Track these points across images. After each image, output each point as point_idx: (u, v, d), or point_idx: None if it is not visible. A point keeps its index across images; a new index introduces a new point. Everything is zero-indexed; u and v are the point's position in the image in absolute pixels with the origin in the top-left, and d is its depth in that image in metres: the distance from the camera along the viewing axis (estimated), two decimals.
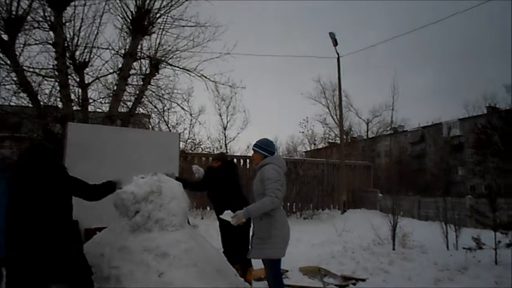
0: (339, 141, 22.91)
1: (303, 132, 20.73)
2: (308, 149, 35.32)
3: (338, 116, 26.52)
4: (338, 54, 17.40)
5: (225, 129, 24.09)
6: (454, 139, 44.61)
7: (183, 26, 11.39)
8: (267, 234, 4.02)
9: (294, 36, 72.93)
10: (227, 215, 4.20)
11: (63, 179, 3.71)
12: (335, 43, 17.18)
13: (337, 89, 21.91)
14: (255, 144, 4.41)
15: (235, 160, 13.53)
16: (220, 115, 24.21)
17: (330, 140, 30.98)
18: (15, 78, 9.77)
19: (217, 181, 5.85)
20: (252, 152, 4.47)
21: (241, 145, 60.70)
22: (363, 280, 6.60)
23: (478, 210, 8.70)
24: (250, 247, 4.29)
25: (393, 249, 8.90)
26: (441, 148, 42.25)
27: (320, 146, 30.11)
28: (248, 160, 14.75)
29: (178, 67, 11.69)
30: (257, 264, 4.86)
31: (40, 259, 3.37)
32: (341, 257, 8.33)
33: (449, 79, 69.36)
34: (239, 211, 4.06)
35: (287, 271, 6.97)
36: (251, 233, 4.37)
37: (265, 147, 4.35)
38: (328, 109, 35.82)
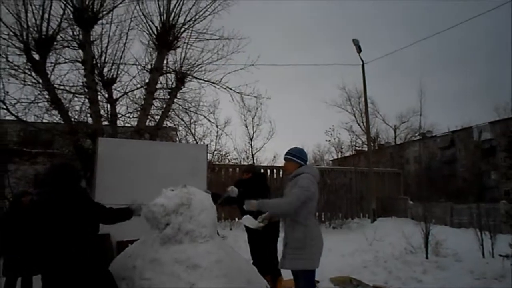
0: (366, 149, 22.66)
1: (329, 140, 20.68)
2: (335, 157, 35.05)
3: (364, 123, 26.28)
4: (362, 60, 17.29)
5: (251, 139, 24.17)
6: (485, 143, 43.42)
7: (207, 40, 11.55)
8: (302, 244, 3.96)
9: (317, 44, 72.81)
10: (247, 219, 4.19)
11: (83, 201, 3.75)
12: (359, 49, 17.07)
13: (362, 96, 21.76)
14: (288, 153, 4.34)
15: (261, 170, 13.52)
16: (246, 126, 24.32)
17: (357, 148, 30.68)
18: (47, 96, 10.08)
19: (248, 192, 5.83)
20: (285, 161, 4.40)
21: (268, 155, 60.77)
22: None
23: None
24: (282, 257, 4.23)
25: (426, 257, 8.68)
26: (472, 153, 41.22)
27: (347, 154, 29.85)
28: (275, 170, 14.75)
29: (203, 80, 11.84)
30: (286, 274, 4.81)
31: (63, 274, 3.47)
32: (373, 266, 8.19)
33: (478, 81, 67.87)
34: (253, 200, 4.06)
35: (318, 281, 6.87)
36: (282, 242, 4.32)
37: (299, 155, 4.29)
38: (354, 116, 35.45)
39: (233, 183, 6.38)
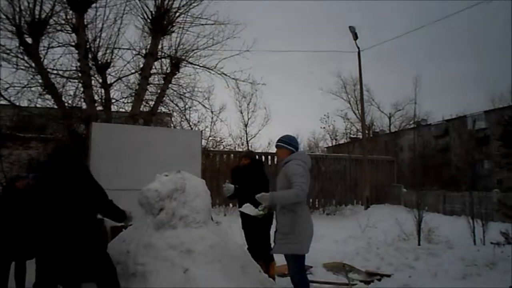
0: (361, 136, 22.72)
1: (324, 127, 20.60)
2: (330, 144, 35.13)
3: (359, 111, 26.34)
4: (358, 48, 17.23)
5: (246, 126, 24.26)
6: (480, 132, 43.61)
7: (203, 25, 11.48)
8: (291, 229, 4.01)
9: (313, 31, 72.37)
10: (247, 207, 4.21)
11: (86, 180, 3.75)
12: (355, 37, 16.99)
13: (358, 83, 21.69)
14: (279, 140, 4.39)
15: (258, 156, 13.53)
16: (241, 112, 24.40)
17: (352, 135, 30.72)
18: (40, 81, 9.99)
19: (246, 179, 5.81)
20: (276, 148, 4.45)
21: (262, 142, 60.81)
22: (388, 276, 6.51)
23: (506, 204, 8.50)
24: (273, 242, 4.28)
25: (419, 244, 8.78)
26: (466, 141, 41.41)
27: (342, 142, 29.91)
28: (270, 157, 14.76)
29: (198, 65, 11.79)
30: (280, 260, 4.84)
31: (62, 257, 3.46)
32: (366, 253, 8.26)
33: (474, 71, 67.79)
34: (265, 193, 4.09)
35: (311, 267, 6.94)
36: (274, 229, 4.36)
37: (290, 142, 4.34)
38: (350, 104, 35.60)
39: (230, 169, 6.36)
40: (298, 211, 4.04)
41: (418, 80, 48.36)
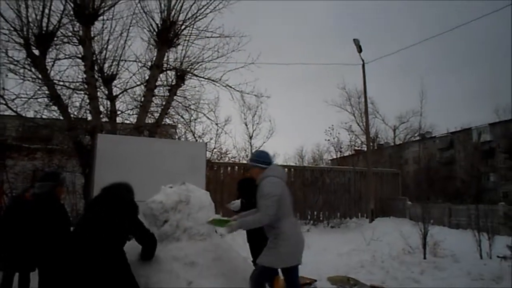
0: (365, 149, 22.65)
1: (328, 140, 20.50)
2: (334, 157, 35.03)
3: (364, 123, 26.23)
4: (363, 60, 17.22)
5: (251, 138, 24.24)
6: (485, 145, 43.43)
7: (208, 37, 11.53)
8: (274, 244, 3.94)
9: (318, 44, 72.72)
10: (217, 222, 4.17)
11: (132, 220, 3.82)
12: (360, 49, 17.02)
13: (362, 96, 21.72)
14: (250, 159, 4.32)
15: None
16: (246, 125, 24.41)
17: (356, 148, 30.65)
18: (46, 92, 10.06)
19: (253, 191, 5.76)
20: (250, 168, 4.35)
21: None
22: None
23: None
24: None
25: (424, 258, 8.67)
26: (471, 154, 41.20)
27: (346, 154, 29.82)
28: None
29: (203, 77, 11.82)
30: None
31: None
32: (370, 266, 8.18)
33: (479, 83, 67.74)
34: (234, 222, 4.00)
35: (315, 280, 6.89)
36: None
37: (260, 159, 4.21)
38: (354, 116, 35.42)
39: (237, 182, 6.28)
40: (280, 227, 3.94)
41: (424, 92, 48.28)
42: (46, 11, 9.72)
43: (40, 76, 9.92)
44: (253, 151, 4.82)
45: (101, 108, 10.63)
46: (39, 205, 4.10)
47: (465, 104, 66.83)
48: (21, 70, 9.87)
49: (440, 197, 26.59)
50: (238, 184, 6.24)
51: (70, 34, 10.39)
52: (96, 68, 10.53)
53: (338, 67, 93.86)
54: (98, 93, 10.57)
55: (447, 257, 8.78)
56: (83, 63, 10.32)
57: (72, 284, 3.50)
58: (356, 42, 16.95)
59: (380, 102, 66.63)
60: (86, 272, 3.45)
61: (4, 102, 9.65)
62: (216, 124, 14.62)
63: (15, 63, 9.78)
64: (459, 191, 33.58)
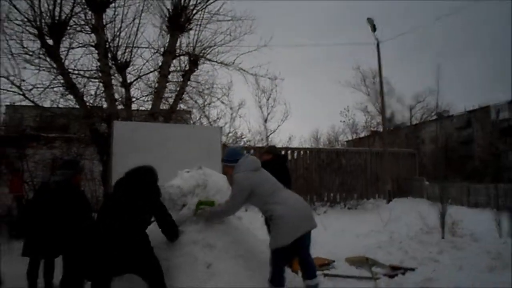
0: (381, 129, 22.45)
1: (344, 121, 20.43)
2: (350, 138, 34.83)
3: (379, 104, 25.98)
4: (377, 39, 16.97)
5: (265, 121, 24.22)
6: (503, 123, 42.63)
7: (220, 21, 11.45)
8: (272, 227, 4.08)
9: (331, 24, 71.74)
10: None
11: (154, 203, 3.91)
12: (374, 28, 16.75)
13: (377, 76, 21.39)
14: (222, 160, 4.47)
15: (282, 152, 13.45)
16: (261, 108, 24.39)
17: (372, 129, 30.38)
18: (62, 81, 10.15)
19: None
20: (224, 167, 4.50)
21: (282, 137, 60.54)
22: (412, 269, 6.44)
23: None
24: None
25: (442, 237, 8.62)
26: (489, 133, 40.54)
27: (362, 135, 29.61)
28: (289, 152, 14.72)
29: (216, 61, 11.77)
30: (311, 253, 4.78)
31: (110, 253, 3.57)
32: (388, 247, 8.17)
33: (497, 60, 66.20)
34: (208, 209, 4.22)
35: (333, 261, 6.93)
36: None
37: (229, 158, 4.38)
38: (369, 96, 35.09)
39: None
40: (269, 210, 4.08)
41: (440, 70, 47.42)
42: (58, 0, 9.76)
43: (55, 65, 10.01)
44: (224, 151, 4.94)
45: (116, 96, 10.68)
46: (60, 193, 4.18)
47: (483, 82, 65.46)
48: (36, 60, 9.98)
49: (458, 176, 26.29)
50: None
51: (82, 22, 10.39)
52: (109, 55, 10.55)
53: (352, 47, 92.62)
54: (113, 81, 10.62)
55: (465, 236, 8.71)
56: (96, 51, 10.36)
57: (97, 267, 3.58)
58: (370, 21, 16.68)
59: (395, 82, 65.72)
60: (110, 255, 3.52)
61: (21, 93, 9.79)
62: (230, 108, 14.66)
63: (31, 53, 9.89)
64: (478, 170, 33.12)
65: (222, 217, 4.31)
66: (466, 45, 67.90)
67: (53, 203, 4.25)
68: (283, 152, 14.72)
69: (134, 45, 10.93)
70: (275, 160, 6.00)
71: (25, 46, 9.79)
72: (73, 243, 3.85)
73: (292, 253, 4.86)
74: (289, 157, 14.56)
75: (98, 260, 3.56)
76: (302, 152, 15.17)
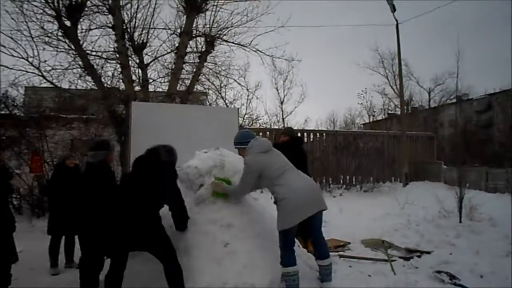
0: (399, 112, 22.18)
1: (361, 103, 20.22)
2: (367, 121, 34.52)
3: (397, 86, 25.64)
4: (396, 20, 16.61)
5: (282, 103, 24.14)
6: None
7: (237, 1, 11.36)
8: (278, 209, 4.05)
9: (349, 4, 70.42)
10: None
11: (170, 181, 3.93)
12: (393, 9, 16.39)
13: (396, 57, 21.05)
14: (234, 143, 4.45)
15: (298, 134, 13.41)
16: (277, 89, 24.30)
17: (389, 111, 30.04)
18: (80, 63, 10.26)
19: (285, 156, 5.73)
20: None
21: (299, 119, 60.45)
22: (428, 253, 6.42)
23: None
24: None
25: (460, 222, 8.55)
26: (510, 116, 39.69)
27: (379, 118, 29.32)
28: (305, 134, 14.67)
29: (233, 42, 11.74)
30: (327, 235, 4.80)
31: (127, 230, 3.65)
32: (405, 230, 8.15)
33: None
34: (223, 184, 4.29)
35: (349, 243, 6.95)
36: None
37: (240, 140, 4.38)
38: (387, 79, 34.56)
39: None
40: (275, 192, 4.07)
41: (460, 52, 46.31)
42: None
43: (73, 47, 10.09)
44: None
45: (133, 77, 10.77)
46: (93, 173, 4.25)
47: (504, 64, 63.79)
48: (55, 42, 10.08)
49: (477, 160, 25.91)
50: None
51: (99, 3, 10.44)
52: (126, 37, 10.59)
53: (370, 29, 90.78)
54: (130, 62, 10.69)
55: (483, 221, 8.62)
56: (113, 33, 10.41)
57: (114, 244, 3.66)
58: (390, 1, 16.31)
59: (414, 64, 64.78)
60: (126, 232, 3.60)
61: (40, 74, 9.92)
62: (247, 89, 14.67)
63: (49, 35, 9.98)
64: (497, 155, 32.53)
65: (232, 196, 4.32)
66: (487, 26, 66.13)
67: (84, 182, 4.32)
68: (299, 134, 14.72)
69: (151, 26, 10.95)
70: (292, 142, 5.97)
71: (44, 28, 9.89)
72: (93, 220, 3.94)
73: (306, 234, 4.90)
74: (305, 139, 14.51)
75: (115, 237, 3.65)
76: (318, 134, 15.10)
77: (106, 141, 4.28)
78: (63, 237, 6.01)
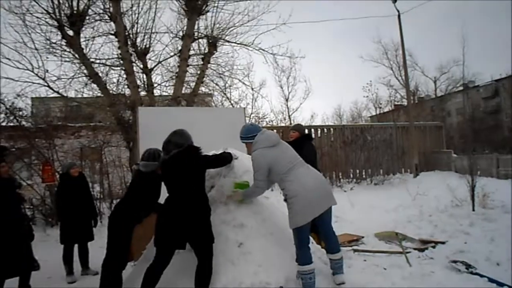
0: (406, 103, 22.03)
1: (367, 96, 20.10)
2: (374, 113, 34.34)
3: (403, 77, 25.49)
4: (398, 11, 16.50)
5: (287, 100, 24.11)
6: None
7: (237, 1, 11.37)
8: (288, 207, 4.03)
9: None
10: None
11: (202, 167, 4.03)
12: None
13: (399, 48, 20.93)
14: (240, 138, 4.41)
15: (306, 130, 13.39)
16: (281, 87, 24.26)
17: (396, 103, 29.81)
18: (85, 71, 10.32)
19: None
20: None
21: (305, 115, 60.30)
22: (443, 243, 6.38)
23: None
24: None
25: (473, 210, 8.50)
26: None
27: (386, 110, 29.15)
28: (312, 130, 14.63)
29: (235, 43, 11.74)
30: (338, 231, 4.79)
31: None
32: (418, 221, 8.12)
33: None
34: (238, 192, 4.26)
35: (362, 237, 6.93)
36: None
37: (246, 135, 4.33)
38: (392, 70, 34.26)
39: None
40: (285, 188, 4.04)
41: (465, 39, 45.91)
42: None
43: (77, 56, 10.16)
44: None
45: (138, 82, 10.82)
46: (144, 181, 4.35)
47: (510, 49, 63.12)
48: (59, 52, 10.16)
49: (487, 147, 25.71)
50: None
51: (101, 11, 10.50)
52: (129, 43, 10.65)
53: (372, 20, 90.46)
54: (134, 68, 10.74)
55: (497, 208, 8.57)
56: (116, 40, 10.46)
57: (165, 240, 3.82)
58: None
59: (418, 54, 64.41)
60: (181, 228, 3.76)
61: (46, 84, 10.00)
62: (252, 88, 14.62)
63: (53, 45, 10.05)
64: (507, 141, 32.24)
65: (252, 197, 4.31)
66: (491, 11, 65.43)
67: (138, 189, 4.42)
68: (306, 131, 14.67)
69: (153, 31, 10.99)
70: (301, 138, 5.96)
71: (48, 38, 9.97)
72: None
73: (318, 230, 4.90)
74: (313, 135, 14.48)
75: (170, 232, 3.77)
76: (325, 129, 15.05)
77: (158, 152, 4.34)
78: (76, 245, 6.08)
